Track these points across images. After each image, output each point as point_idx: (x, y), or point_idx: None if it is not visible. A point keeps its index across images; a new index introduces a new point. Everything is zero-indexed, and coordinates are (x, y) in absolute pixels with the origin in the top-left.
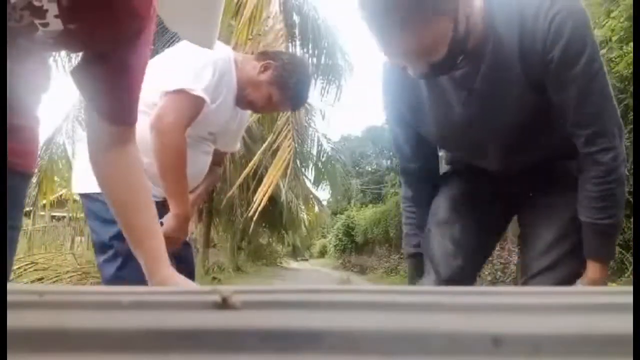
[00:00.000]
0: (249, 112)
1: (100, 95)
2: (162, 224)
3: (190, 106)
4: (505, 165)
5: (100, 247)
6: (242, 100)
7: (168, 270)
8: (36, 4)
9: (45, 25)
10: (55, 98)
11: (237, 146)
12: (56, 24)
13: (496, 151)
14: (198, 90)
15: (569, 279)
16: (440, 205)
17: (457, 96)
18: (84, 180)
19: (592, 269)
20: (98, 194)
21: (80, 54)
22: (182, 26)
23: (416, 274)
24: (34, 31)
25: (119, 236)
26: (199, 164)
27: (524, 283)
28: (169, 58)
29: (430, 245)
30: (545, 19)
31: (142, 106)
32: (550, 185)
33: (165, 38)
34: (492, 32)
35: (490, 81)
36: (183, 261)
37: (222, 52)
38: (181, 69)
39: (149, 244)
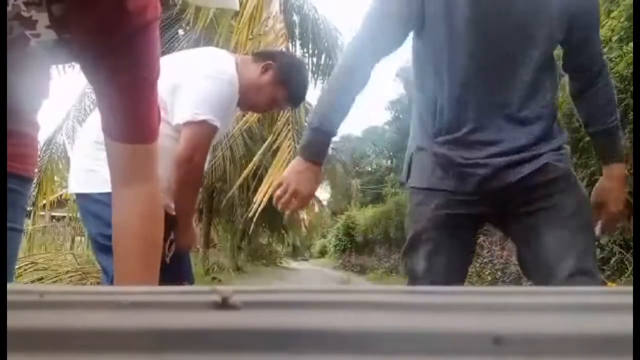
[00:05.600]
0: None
1: (111, 112)
2: (172, 242)
3: (209, 138)
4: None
5: (103, 248)
6: (245, 104)
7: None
8: (24, 14)
9: (37, 36)
10: (56, 97)
11: None
12: (48, 34)
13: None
14: (216, 121)
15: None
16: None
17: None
18: (80, 180)
19: (617, 169)
20: (99, 194)
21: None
22: None
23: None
24: (26, 43)
25: None
26: None
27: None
28: (177, 75)
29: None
30: None
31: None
32: (529, 193)
33: (165, 38)
34: None
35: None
36: (180, 260)
37: (228, 68)
38: (197, 98)
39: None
